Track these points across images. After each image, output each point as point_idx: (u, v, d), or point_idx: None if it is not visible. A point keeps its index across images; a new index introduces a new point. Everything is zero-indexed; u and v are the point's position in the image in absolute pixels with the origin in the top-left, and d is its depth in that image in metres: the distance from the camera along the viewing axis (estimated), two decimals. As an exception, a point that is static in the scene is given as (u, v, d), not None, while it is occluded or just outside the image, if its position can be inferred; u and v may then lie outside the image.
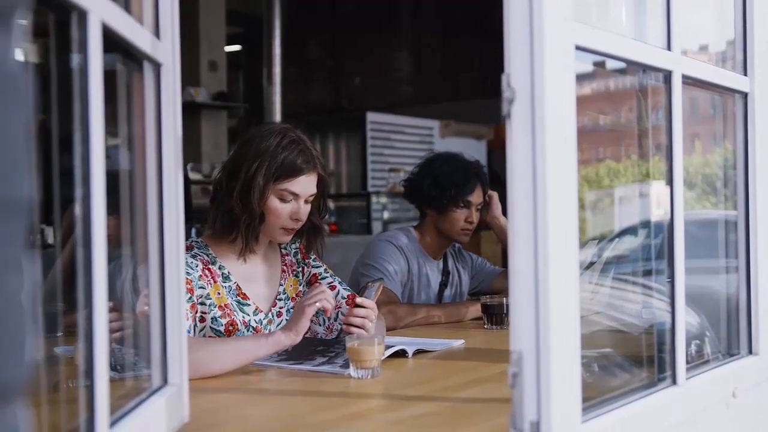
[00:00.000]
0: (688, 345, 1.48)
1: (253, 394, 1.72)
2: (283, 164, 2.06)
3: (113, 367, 1.14)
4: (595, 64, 1.37)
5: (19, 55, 0.49)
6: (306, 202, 2.13)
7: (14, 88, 0.47)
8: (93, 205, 0.95)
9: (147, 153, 1.27)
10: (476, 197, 2.87)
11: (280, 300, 2.23)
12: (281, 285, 2.24)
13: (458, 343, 2.25)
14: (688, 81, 1.48)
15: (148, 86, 1.27)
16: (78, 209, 0.95)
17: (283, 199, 2.09)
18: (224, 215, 2.11)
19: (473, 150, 6.27)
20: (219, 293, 2.09)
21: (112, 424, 1.01)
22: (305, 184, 2.10)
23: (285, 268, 2.27)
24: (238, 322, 2.09)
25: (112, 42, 1.04)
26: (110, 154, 1.01)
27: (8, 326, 0.48)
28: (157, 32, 1.27)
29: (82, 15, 0.94)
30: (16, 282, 0.49)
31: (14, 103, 0.47)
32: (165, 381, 1.29)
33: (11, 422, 0.48)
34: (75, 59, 0.95)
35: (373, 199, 7.22)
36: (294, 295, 2.26)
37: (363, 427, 1.45)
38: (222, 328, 2.06)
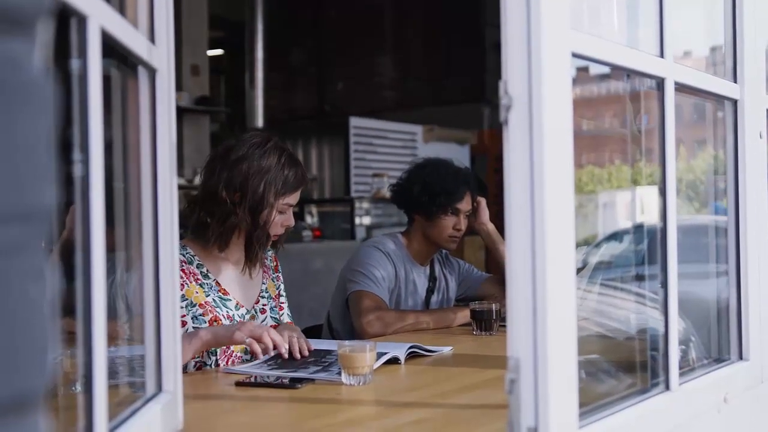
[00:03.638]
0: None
1: (246, 402, 1.71)
2: (287, 181, 2.17)
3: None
4: (579, 68, 1.37)
5: (41, 63, 0.48)
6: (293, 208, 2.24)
7: (39, 96, 0.47)
8: (92, 211, 0.94)
9: (142, 158, 1.26)
10: (465, 204, 2.87)
11: (263, 297, 2.29)
12: (264, 284, 2.31)
13: (447, 349, 2.25)
14: (680, 88, 1.49)
15: (143, 92, 1.26)
16: (76, 214, 0.94)
17: (282, 212, 2.19)
18: (230, 230, 2.14)
19: (456, 155, 6.25)
20: (197, 292, 2.10)
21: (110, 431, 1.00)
22: (298, 195, 2.23)
23: (265, 269, 2.35)
24: (221, 317, 2.13)
25: (109, 47, 1.04)
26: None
27: (31, 335, 0.47)
28: (152, 37, 1.26)
29: (82, 20, 0.93)
30: (38, 290, 0.48)
31: (38, 110, 0.46)
32: (160, 388, 1.28)
33: (34, 430, 0.48)
34: (74, 64, 0.94)
35: (357, 204, 7.19)
36: (274, 296, 2.33)
37: (357, 434, 1.45)
38: (206, 326, 2.07)
